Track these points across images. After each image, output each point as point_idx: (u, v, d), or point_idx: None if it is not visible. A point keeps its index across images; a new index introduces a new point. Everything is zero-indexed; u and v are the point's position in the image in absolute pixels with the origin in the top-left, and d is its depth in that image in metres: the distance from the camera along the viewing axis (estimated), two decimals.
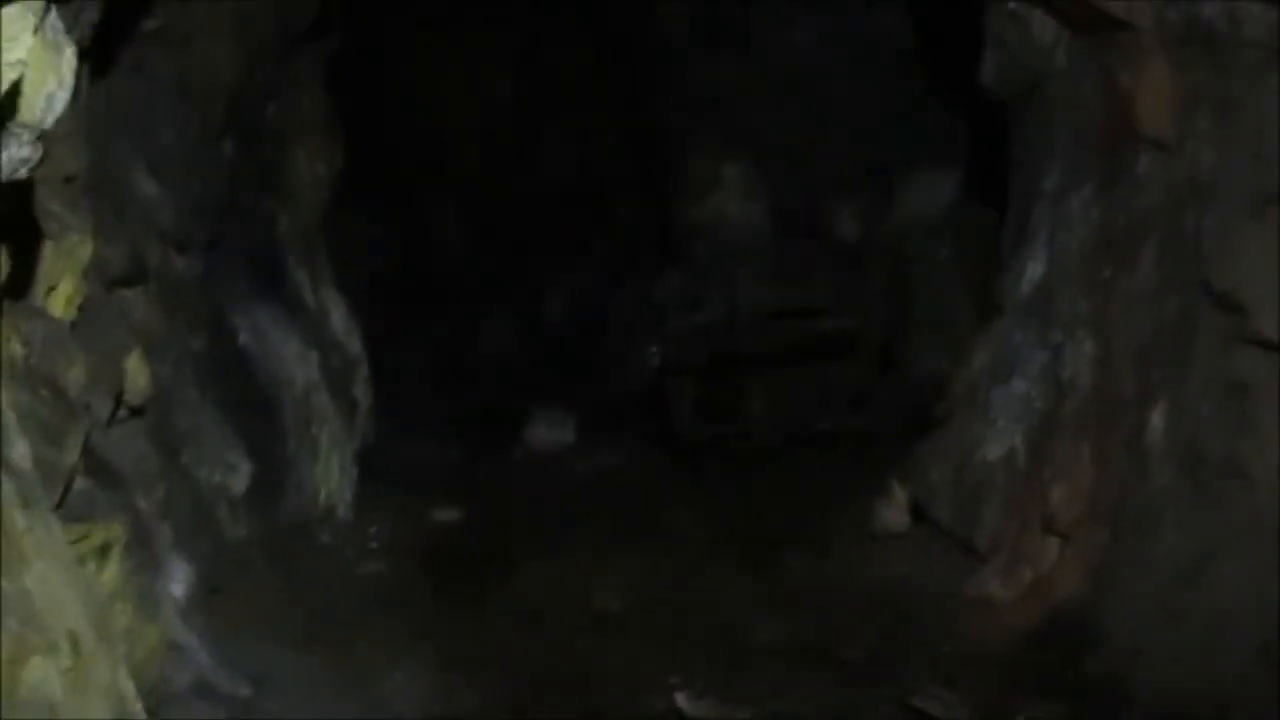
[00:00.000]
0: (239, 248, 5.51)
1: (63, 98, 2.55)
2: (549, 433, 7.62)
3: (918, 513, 5.35)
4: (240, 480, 4.80)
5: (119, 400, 3.90)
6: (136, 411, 4.05)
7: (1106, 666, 4.13)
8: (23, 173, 2.59)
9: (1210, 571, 4.09)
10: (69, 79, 2.56)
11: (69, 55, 2.55)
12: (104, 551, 3.29)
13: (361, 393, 6.61)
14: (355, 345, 6.65)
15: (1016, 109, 5.29)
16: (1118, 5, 4.38)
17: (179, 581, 3.95)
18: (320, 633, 4.52)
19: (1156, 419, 4.36)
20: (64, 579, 2.72)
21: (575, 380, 8.24)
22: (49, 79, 2.50)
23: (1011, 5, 4.95)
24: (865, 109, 7.87)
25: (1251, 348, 4.11)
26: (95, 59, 3.96)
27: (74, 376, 3.45)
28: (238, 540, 4.70)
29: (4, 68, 2.29)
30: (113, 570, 3.31)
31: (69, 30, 2.73)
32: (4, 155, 2.51)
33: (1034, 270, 4.96)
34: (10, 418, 2.85)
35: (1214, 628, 3.98)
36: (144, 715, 2.88)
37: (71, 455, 3.29)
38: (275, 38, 5.62)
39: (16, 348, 3.22)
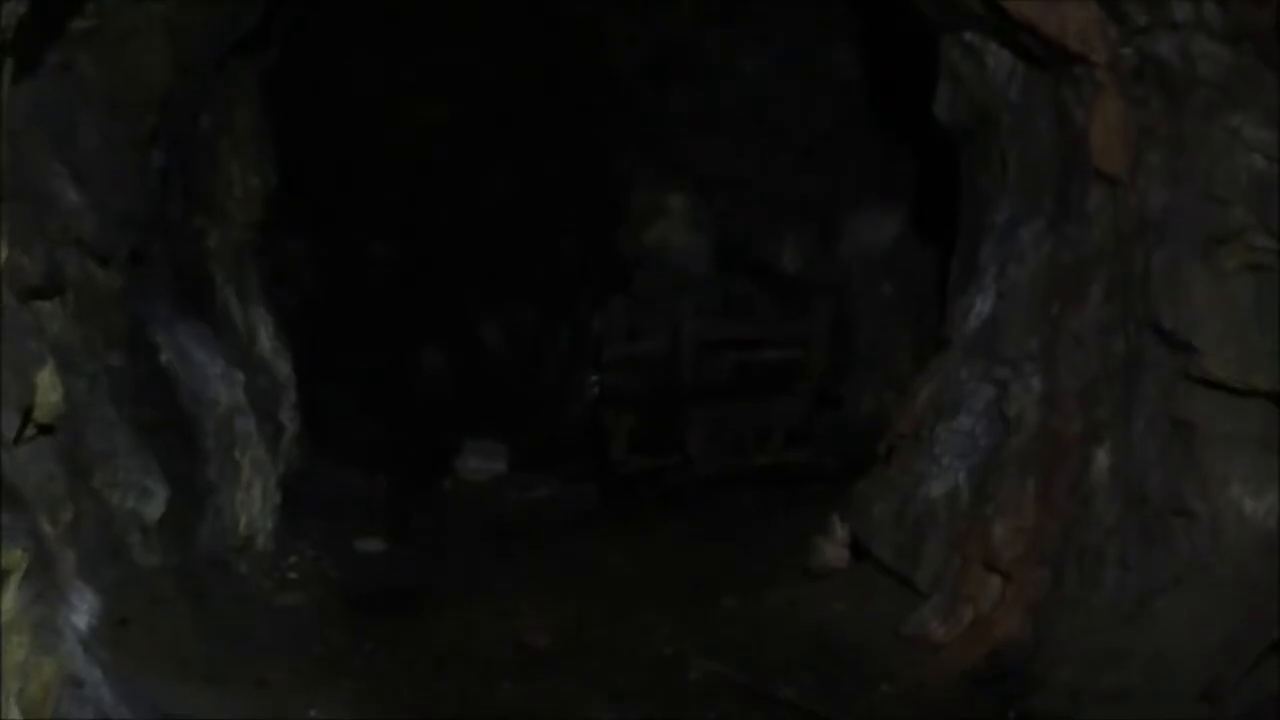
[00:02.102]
0: (164, 262, 5.38)
1: None
2: (480, 463, 7.55)
3: (858, 550, 5.34)
4: (155, 506, 4.65)
5: (28, 417, 3.75)
6: (46, 430, 3.90)
7: (1047, 708, 4.14)
8: None
9: (1153, 612, 4.13)
10: None
11: None
12: (1, 579, 3.14)
13: (288, 417, 6.49)
14: (283, 367, 6.55)
15: (967, 143, 5.34)
16: (1073, 39, 4.43)
17: (83, 612, 3.78)
18: (233, 668, 4.41)
19: (1102, 457, 4.41)
20: None
21: (510, 410, 8.20)
22: None
23: (966, 37, 4.99)
24: (812, 142, 7.93)
25: (1198, 387, 4.17)
26: (19, 57, 3.84)
27: None
28: (150, 569, 4.55)
29: None
30: (9, 599, 3.16)
31: None
32: None
33: (982, 305, 4.98)
34: None
35: (1157, 669, 4.00)
36: None
37: None
38: (211, 46, 5.53)
39: None
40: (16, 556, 3.25)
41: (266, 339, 6.43)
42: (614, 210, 8.31)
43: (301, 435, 6.62)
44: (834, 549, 5.42)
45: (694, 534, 6.34)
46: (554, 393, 8.38)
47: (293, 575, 5.61)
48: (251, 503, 5.61)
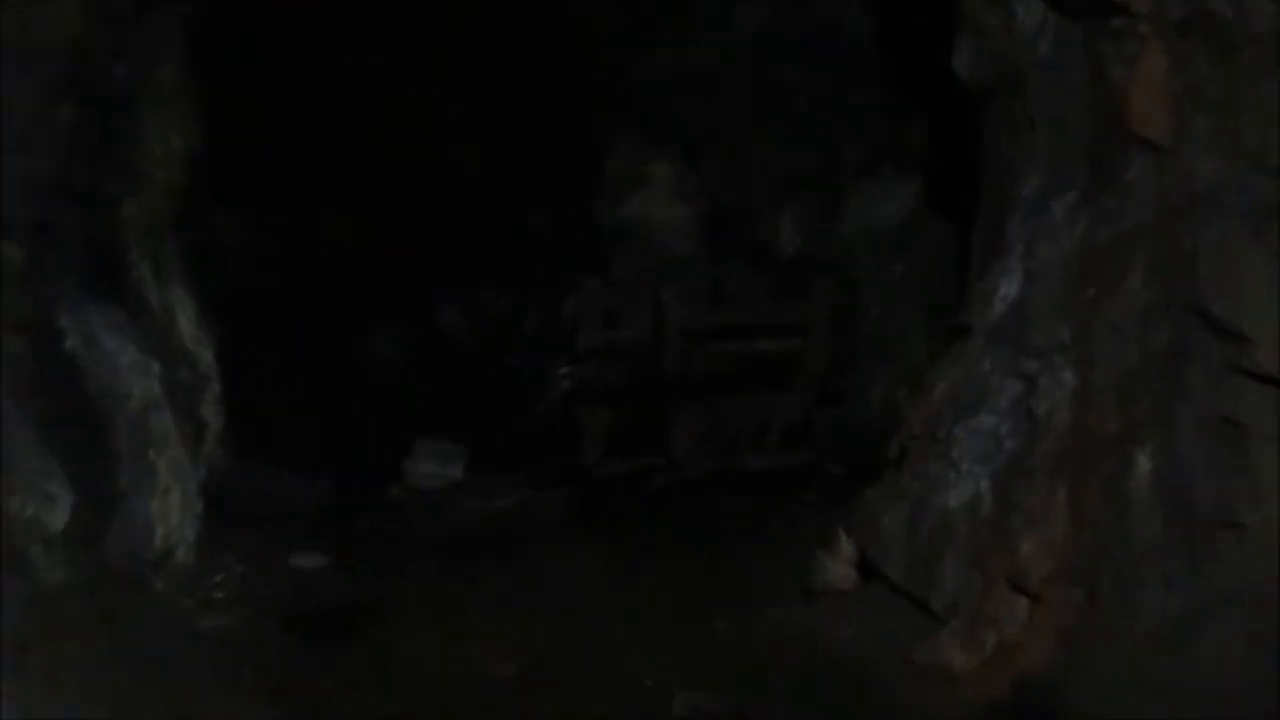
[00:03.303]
0: (72, 235, 5.36)
1: None
2: (435, 467, 7.57)
3: (866, 567, 5.37)
4: (59, 514, 4.67)
5: None
6: None
7: None
8: None
9: (1198, 637, 4.14)
10: None
11: None
12: None
13: (212, 413, 6.49)
14: (207, 357, 6.54)
15: (990, 104, 5.35)
16: None
17: None
18: (150, 699, 4.41)
19: (1142, 462, 4.41)
20: None
21: (469, 406, 8.15)
22: None
23: None
24: (814, 104, 7.95)
25: (1249, 381, 4.18)
26: None
27: None
28: (54, 585, 4.55)
29: None
30: None
31: None
32: None
33: (1006, 288, 5.00)
34: None
35: (1200, 702, 4.00)
36: None
37: None
38: None
39: None
40: None
41: (188, 324, 6.41)
42: (590, 180, 8.32)
43: (228, 433, 6.60)
44: (838, 566, 5.44)
45: (679, 548, 6.36)
46: (520, 386, 8.36)
47: (218, 594, 5.62)
48: (169, 511, 5.62)
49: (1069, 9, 4.78)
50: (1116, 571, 4.41)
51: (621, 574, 6.01)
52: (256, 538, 6.12)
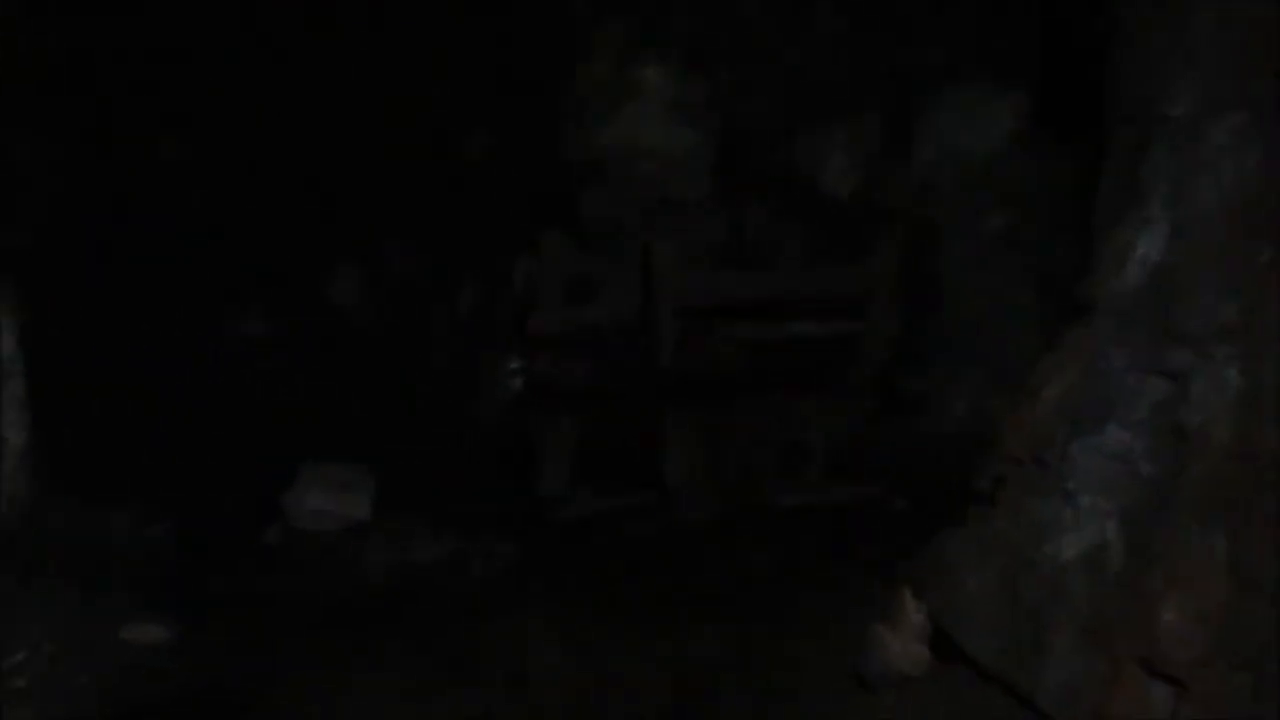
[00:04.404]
0: None
1: None
2: (328, 503, 7.63)
3: (942, 645, 5.35)
4: None
5: None
6: None
7: None
8: None
9: None
10: None
11: None
12: None
13: (12, 425, 6.49)
14: (4, 345, 6.54)
15: None
16: None
17: None
18: None
19: None
20: None
21: (376, 415, 8.20)
22: None
23: None
24: None
25: None
26: None
27: None
28: None
29: None
30: None
31: None
32: None
33: (1146, 247, 5.00)
34: None
35: None
36: None
37: None
38: None
39: None
40: None
41: None
42: (552, 92, 8.31)
43: (33, 454, 6.62)
44: (903, 643, 5.43)
45: (677, 620, 6.36)
46: (449, 388, 8.39)
47: (18, 682, 5.61)
48: None
49: None
50: None
51: (593, 657, 6.01)
52: (74, 600, 6.11)
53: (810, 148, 8.07)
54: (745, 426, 7.77)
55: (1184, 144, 4.98)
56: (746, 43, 8.07)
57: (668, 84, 8.18)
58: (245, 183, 8.52)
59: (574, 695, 5.75)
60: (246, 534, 7.43)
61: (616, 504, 7.57)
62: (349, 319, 8.81)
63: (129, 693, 5.68)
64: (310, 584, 6.97)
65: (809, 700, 5.49)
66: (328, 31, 8.47)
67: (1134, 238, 5.07)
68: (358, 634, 6.32)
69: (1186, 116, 5.01)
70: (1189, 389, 4.78)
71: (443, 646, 6.19)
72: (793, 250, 7.92)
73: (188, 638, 6.19)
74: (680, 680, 5.79)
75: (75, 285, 7.94)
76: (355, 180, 8.53)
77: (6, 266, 6.68)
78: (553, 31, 8.37)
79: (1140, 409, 4.94)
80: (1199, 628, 4.59)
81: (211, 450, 7.96)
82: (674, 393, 7.73)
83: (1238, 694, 4.50)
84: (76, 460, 7.01)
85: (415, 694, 5.70)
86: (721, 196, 8.12)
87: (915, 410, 7.74)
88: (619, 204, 8.06)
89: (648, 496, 7.63)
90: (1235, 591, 4.58)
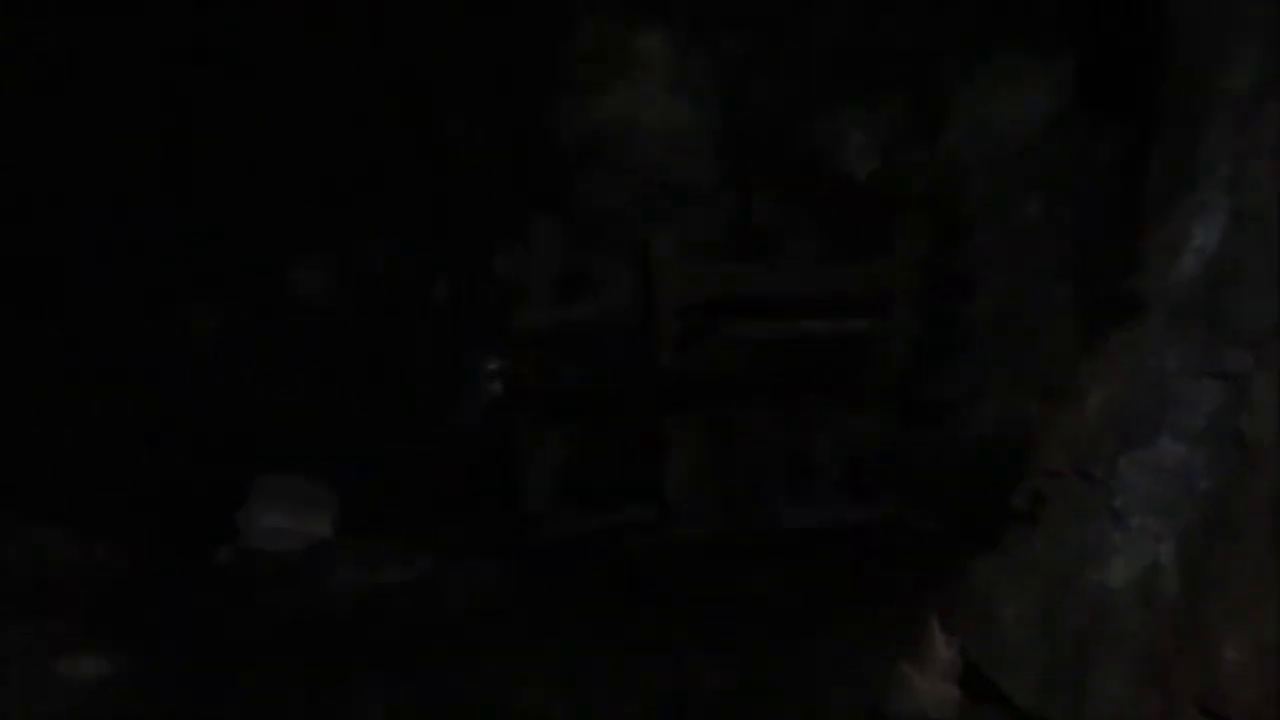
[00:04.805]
0: None
1: None
2: (287, 520, 7.66)
3: (974, 682, 5.34)
4: None
5: None
6: None
7: None
8: None
9: None
10: None
11: None
12: None
13: None
14: None
15: None
16: None
17: None
18: None
19: None
20: None
21: (341, 422, 8.22)
22: None
23: None
24: None
25: None
26: None
27: None
28: None
29: None
30: None
31: None
32: None
33: (1203, 237, 5.01)
34: None
35: None
36: None
37: None
38: None
39: None
40: None
41: None
42: (541, 64, 8.32)
43: None
44: (931, 682, 5.41)
45: (679, 652, 6.36)
46: (423, 392, 8.40)
47: None
48: None
49: None
50: None
51: (582, 695, 6.02)
52: (4, 629, 6.13)
53: (826, 127, 8.08)
54: (752, 435, 7.80)
55: (1245, 121, 5.00)
56: (756, 10, 8.08)
57: (669, 55, 8.19)
58: (196, 161, 8.48)
59: (558, 712, 5.81)
60: (197, 554, 7.41)
61: (609, 521, 7.60)
62: (311, 312, 8.74)
63: None
64: (268, 610, 6.95)
65: None
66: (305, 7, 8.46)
67: (1188, 226, 5.07)
68: (321, 666, 6.30)
69: (1248, 90, 5.02)
70: (1250, 394, 4.78)
71: (415, 680, 6.17)
72: (806, 241, 7.94)
73: (132, 670, 6.17)
74: (674, 712, 5.82)
75: (2, 279, 7.95)
76: (322, 159, 8.48)
77: None
78: None
79: (1196, 417, 4.93)
80: (1263, 664, 4.58)
81: (158, 460, 7.97)
82: (674, 398, 7.76)
83: None
84: (7, 472, 7.03)
85: None
86: (727, 182, 8.13)
87: (940, 418, 7.75)
88: (614, 189, 8.06)
89: (644, 513, 7.67)
90: None
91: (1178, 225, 5.14)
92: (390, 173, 8.62)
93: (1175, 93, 5.43)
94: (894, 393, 7.86)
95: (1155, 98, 5.51)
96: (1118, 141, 6.21)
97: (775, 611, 6.71)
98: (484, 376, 8.03)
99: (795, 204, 8.06)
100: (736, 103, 8.18)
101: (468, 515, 7.73)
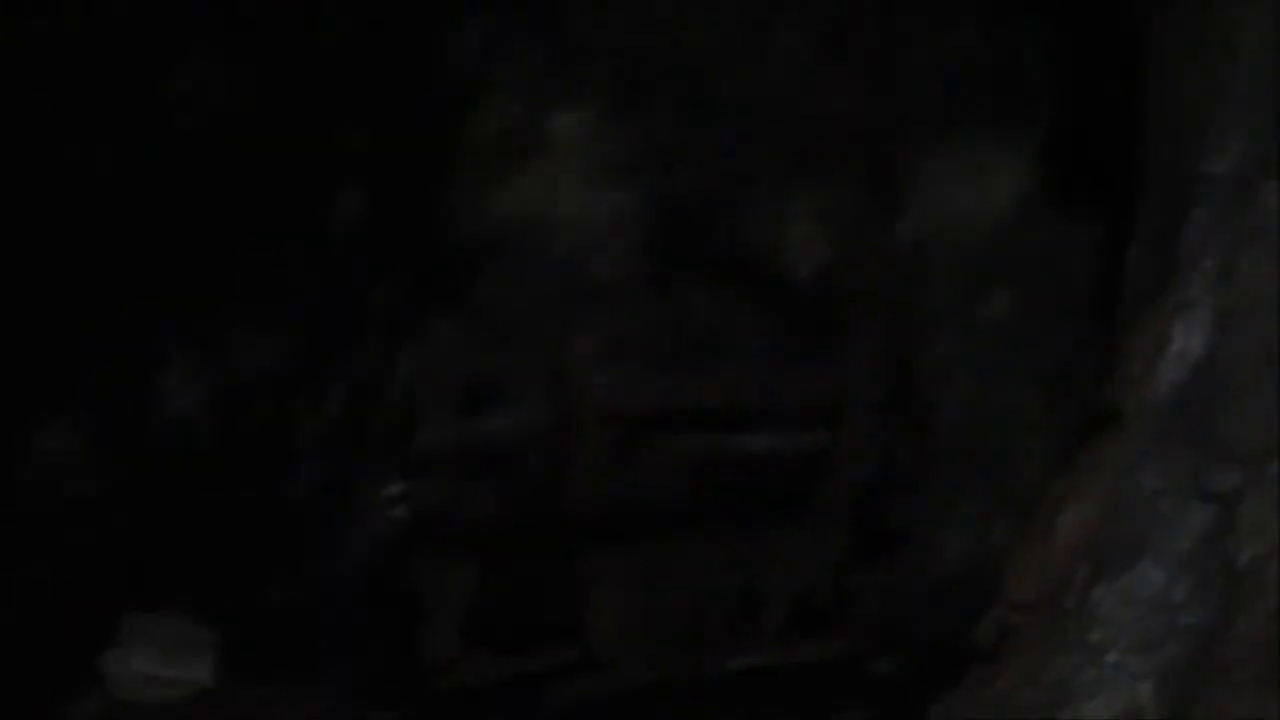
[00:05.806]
0: None
1: None
2: (159, 665, 7.60)
3: None
4: None
5: None
6: None
7: None
8: None
9: None
10: None
11: None
12: None
13: None
14: None
15: (1162, 11, 5.44)
16: None
17: None
18: None
19: None
20: None
21: (218, 554, 8.11)
22: None
23: None
24: (850, 11, 8.01)
25: None
26: None
27: None
28: None
29: None
30: None
31: None
32: None
33: (1186, 340, 5.04)
34: None
35: None
36: None
37: None
38: None
39: None
40: None
41: None
42: (440, 144, 8.34)
43: None
44: None
45: None
46: (311, 518, 8.35)
47: None
48: None
49: None
50: None
51: None
52: None
53: (768, 216, 8.12)
54: (689, 568, 7.81)
55: (1233, 209, 5.02)
56: (688, 84, 8.13)
57: (587, 136, 8.22)
58: (47, 263, 8.45)
59: None
60: (54, 705, 7.34)
61: (524, 667, 7.54)
62: (183, 428, 8.72)
63: None
64: None
65: None
66: (166, 51, 8.45)
67: (1170, 327, 5.12)
68: None
69: (1236, 174, 5.05)
70: (1239, 517, 4.79)
71: None
72: (746, 345, 7.96)
73: None
74: None
75: None
76: (190, 249, 8.47)
77: None
78: (438, 67, 8.36)
79: (1179, 542, 4.96)
80: None
81: (7, 599, 7.85)
82: (599, 526, 7.79)
83: None
84: None
85: None
86: (656, 278, 8.14)
87: (900, 545, 7.78)
88: (526, 287, 8.07)
89: (564, 657, 7.63)
90: None
91: (1158, 327, 5.19)
92: (273, 268, 8.59)
93: (1155, 178, 5.52)
94: (848, 517, 7.91)
95: (1133, 182, 5.53)
96: (1092, 232, 6.22)
97: None
98: (382, 501, 7.98)
99: (735, 302, 8.11)
100: (665, 189, 8.24)
101: (364, 659, 7.70)
